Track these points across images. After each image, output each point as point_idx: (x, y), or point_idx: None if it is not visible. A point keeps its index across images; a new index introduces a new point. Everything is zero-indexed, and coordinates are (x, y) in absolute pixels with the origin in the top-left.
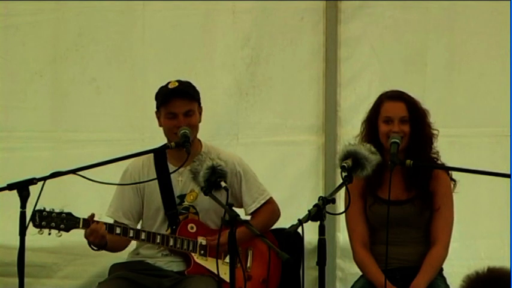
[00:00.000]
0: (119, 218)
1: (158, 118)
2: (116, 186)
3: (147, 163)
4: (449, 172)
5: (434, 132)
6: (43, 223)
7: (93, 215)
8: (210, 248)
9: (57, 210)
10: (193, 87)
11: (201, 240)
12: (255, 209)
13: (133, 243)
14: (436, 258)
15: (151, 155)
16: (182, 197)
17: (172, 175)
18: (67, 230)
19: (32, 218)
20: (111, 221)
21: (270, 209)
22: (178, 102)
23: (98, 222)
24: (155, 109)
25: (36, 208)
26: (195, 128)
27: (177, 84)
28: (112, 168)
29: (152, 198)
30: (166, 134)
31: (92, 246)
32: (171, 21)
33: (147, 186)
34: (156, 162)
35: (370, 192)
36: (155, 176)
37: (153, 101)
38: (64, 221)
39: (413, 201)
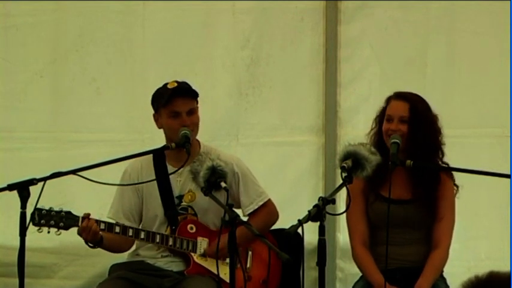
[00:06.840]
0: (120, 219)
1: (157, 120)
2: (116, 187)
3: (146, 164)
4: (453, 177)
5: (443, 140)
6: (42, 221)
7: (88, 214)
8: (209, 255)
9: (56, 209)
10: (191, 86)
11: (200, 243)
12: (252, 210)
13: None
14: (439, 260)
15: (150, 156)
16: (180, 197)
17: (171, 176)
18: (66, 228)
19: (32, 217)
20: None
21: (267, 211)
22: (181, 101)
23: (89, 219)
24: (153, 112)
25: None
26: (196, 127)
27: (176, 84)
28: (112, 169)
29: (151, 199)
30: (168, 134)
31: (87, 243)
32: (171, 21)
33: (146, 187)
34: (155, 163)
35: (372, 190)
36: (154, 177)
37: None
38: (63, 219)
39: (416, 203)
